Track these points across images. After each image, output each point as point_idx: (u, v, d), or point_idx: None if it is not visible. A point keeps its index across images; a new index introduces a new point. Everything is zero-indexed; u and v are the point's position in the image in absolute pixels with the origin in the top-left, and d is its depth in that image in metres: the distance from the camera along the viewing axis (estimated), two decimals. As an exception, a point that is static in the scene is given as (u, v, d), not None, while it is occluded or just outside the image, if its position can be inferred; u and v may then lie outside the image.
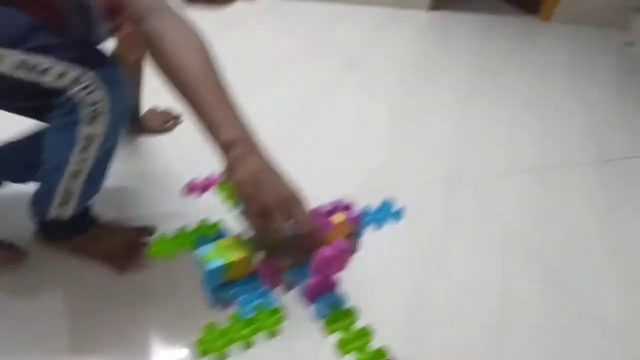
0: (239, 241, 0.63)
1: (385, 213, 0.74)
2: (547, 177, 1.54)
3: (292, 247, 0.58)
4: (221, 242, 0.63)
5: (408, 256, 1.11)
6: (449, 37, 2.54)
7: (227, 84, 0.69)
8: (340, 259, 0.59)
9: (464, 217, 1.28)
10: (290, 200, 0.59)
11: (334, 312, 0.68)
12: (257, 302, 0.65)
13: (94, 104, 0.71)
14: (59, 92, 0.69)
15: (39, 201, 0.86)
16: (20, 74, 0.68)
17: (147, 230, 0.95)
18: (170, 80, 0.67)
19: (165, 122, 1.40)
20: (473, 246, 1.18)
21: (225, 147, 0.63)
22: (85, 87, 0.69)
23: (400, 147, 1.52)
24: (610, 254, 1.26)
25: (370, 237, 1.04)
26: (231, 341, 0.64)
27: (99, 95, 0.71)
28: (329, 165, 1.36)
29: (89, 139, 0.75)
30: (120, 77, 0.74)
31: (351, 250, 0.64)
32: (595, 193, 1.51)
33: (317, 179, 1.28)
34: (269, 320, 0.66)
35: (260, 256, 0.61)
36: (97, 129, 0.74)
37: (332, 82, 1.79)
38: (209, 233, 0.76)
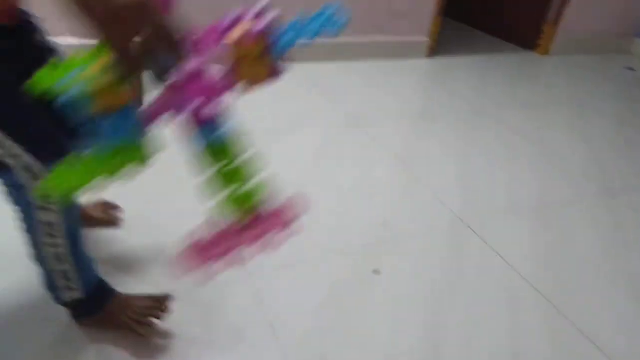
0: (102, 70, 0.52)
1: (321, 21, 0.55)
2: (551, 214, 1.57)
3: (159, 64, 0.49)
4: (84, 71, 0.52)
5: (415, 298, 1.16)
6: (448, 81, 2.65)
7: None
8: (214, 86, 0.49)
9: (469, 258, 1.33)
10: (146, 6, 0.46)
11: (215, 144, 0.55)
12: (124, 134, 0.55)
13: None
14: (8, 168, 0.75)
15: (48, 287, 0.93)
16: None
17: (163, 300, 1.00)
18: None
19: (105, 212, 1.29)
20: (480, 287, 1.22)
21: None
22: (35, 177, 0.75)
23: (405, 192, 1.59)
24: (619, 289, 1.28)
25: (375, 281, 1.10)
26: (90, 175, 0.55)
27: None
28: (335, 216, 1.43)
29: (49, 225, 0.82)
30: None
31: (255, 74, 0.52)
32: (602, 228, 1.53)
33: (325, 229, 1.37)
34: (136, 152, 0.56)
35: (128, 85, 0.51)
36: (52, 217, 0.81)
37: (338, 136, 1.89)
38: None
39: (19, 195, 0.80)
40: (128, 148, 0.54)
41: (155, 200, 1.38)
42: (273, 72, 0.54)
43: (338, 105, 2.18)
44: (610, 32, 3.41)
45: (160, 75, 0.49)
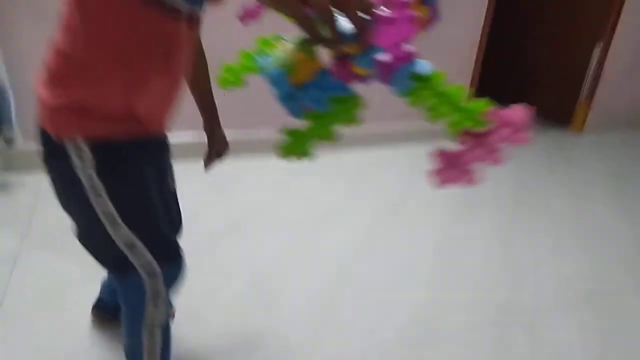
0: (298, 45, 0.59)
1: None
2: (600, 306, 1.50)
3: (356, 33, 0.52)
4: (279, 51, 0.60)
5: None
6: (483, 162, 2.66)
7: None
8: (406, 26, 0.51)
9: (518, 356, 1.27)
10: None
11: (416, 82, 0.57)
12: (330, 95, 0.58)
13: (154, 290, 0.86)
14: (131, 267, 0.84)
15: None
16: (121, 244, 0.82)
17: None
18: None
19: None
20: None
21: None
22: (152, 275, 0.84)
23: (446, 286, 1.56)
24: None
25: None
26: (314, 138, 0.59)
27: (159, 285, 0.86)
28: (377, 308, 1.41)
29: (151, 324, 0.89)
30: (182, 273, 0.91)
31: (418, 18, 0.55)
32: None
33: (369, 319, 1.36)
34: (347, 110, 0.59)
35: (324, 55, 0.56)
36: (158, 313, 0.89)
37: (375, 228, 1.91)
38: (270, 46, 0.69)
39: (132, 294, 0.88)
40: (339, 106, 0.58)
41: (203, 294, 1.42)
42: (433, 16, 0.59)
43: (374, 193, 2.22)
44: (644, 107, 3.39)
45: (342, 39, 0.52)
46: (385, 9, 0.52)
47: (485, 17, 2.66)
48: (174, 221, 1.05)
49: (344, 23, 0.50)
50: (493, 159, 0.54)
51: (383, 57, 0.53)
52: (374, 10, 0.50)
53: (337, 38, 0.50)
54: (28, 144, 1.99)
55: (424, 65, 0.55)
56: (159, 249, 0.86)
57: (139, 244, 0.83)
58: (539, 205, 2.21)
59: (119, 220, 0.80)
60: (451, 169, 0.55)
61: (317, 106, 0.58)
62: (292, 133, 0.59)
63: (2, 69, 1.79)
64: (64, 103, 0.76)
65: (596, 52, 3.05)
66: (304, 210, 2.00)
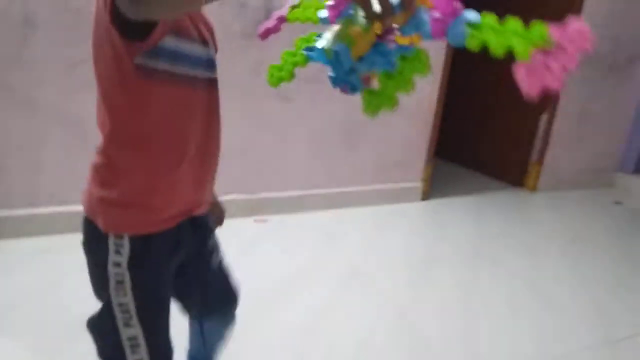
0: (346, 23, 0.62)
1: None
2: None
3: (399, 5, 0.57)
4: (330, 33, 0.63)
5: None
6: (444, 224, 2.77)
7: None
8: None
9: None
10: None
11: (473, 30, 0.60)
12: (396, 55, 0.62)
13: None
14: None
15: None
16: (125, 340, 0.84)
17: None
18: None
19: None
20: None
21: None
22: None
23: (406, 347, 1.59)
24: None
25: None
26: (395, 90, 0.63)
27: None
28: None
29: None
30: None
31: None
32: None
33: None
34: (419, 61, 0.62)
35: (373, 28, 0.60)
36: None
37: (337, 293, 1.94)
38: (311, 42, 0.72)
39: None
40: (410, 61, 0.62)
41: None
42: None
43: (337, 255, 2.26)
44: (592, 168, 3.64)
45: (386, 12, 0.57)
46: None
47: (441, 86, 2.85)
48: (226, 294, 1.07)
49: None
50: (571, 64, 0.56)
51: (436, 15, 0.58)
52: None
53: (389, 11, 0.55)
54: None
55: (473, 15, 0.60)
56: (159, 355, 0.86)
57: (143, 344, 0.83)
58: (497, 261, 2.30)
59: (134, 314, 0.82)
60: (536, 76, 0.56)
61: (387, 67, 0.63)
62: (372, 92, 0.64)
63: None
64: (113, 200, 0.81)
65: (543, 119, 3.30)
66: (266, 272, 2.02)
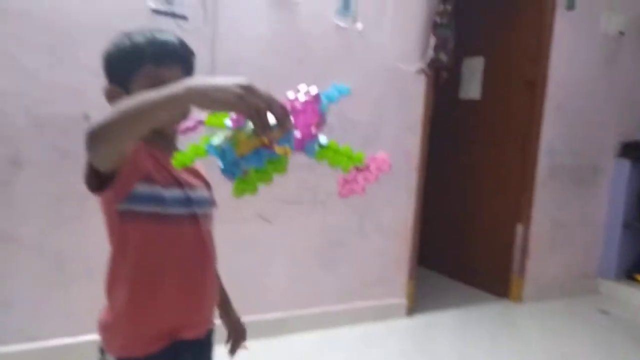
0: (237, 131, 0.80)
1: (337, 89, 0.87)
2: None
3: (278, 125, 0.75)
4: (225, 135, 0.81)
5: None
6: (430, 341, 2.70)
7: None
8: (309, 112, 0.79)
9: None
10: (270, 98, 0.71)
11: (320, 149, 0.84)
12: (266, 158, 0.80)
13: None
14: None
15: None
16: None
17: None
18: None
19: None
20: None
21: (187, 92, 0.72)
22: None
23: None
24: None
25: None
26: (259, 181, 0.81)
27: None
28: None
29: None
30: None
31: (316, 106, 0.80)
32: None
33: None
34: (278, 164, 0.81)
35: (256, 138, 0.78)
36: None
37: None
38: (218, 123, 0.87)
39: None
40: (273, 163, 0.81)
41: None
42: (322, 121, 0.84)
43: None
44: (574, 275, 3.66)
45: (266, 129, 0.75)
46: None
47: (417, 201, 2.95)
48: None
49: (271, 119, 0.75)
50: (372, 180, 0.84)
51: (298, 135, 0.80)
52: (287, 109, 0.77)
53: (269, 128, 0.74)
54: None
55: (323, 139, 0.84)
56: None
57: None
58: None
59: None
60: (348, 184, 0.84)
61: (257, 164, 0.82)
62: (242, 180, 0.83)
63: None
64: (107, 324, 0.97)
65: (519, 230, 3.39)
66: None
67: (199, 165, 1.09)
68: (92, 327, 1.03)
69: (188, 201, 0.99)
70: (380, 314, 2.92)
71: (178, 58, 0.97)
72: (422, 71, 2.78)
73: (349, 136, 2.64)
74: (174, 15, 2.11)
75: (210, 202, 1.09)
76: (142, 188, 0.92)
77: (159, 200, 0.94)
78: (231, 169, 0.83)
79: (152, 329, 0.95)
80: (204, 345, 1.06)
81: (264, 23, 2.37)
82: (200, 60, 2.32)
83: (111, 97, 0.97)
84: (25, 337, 2.01)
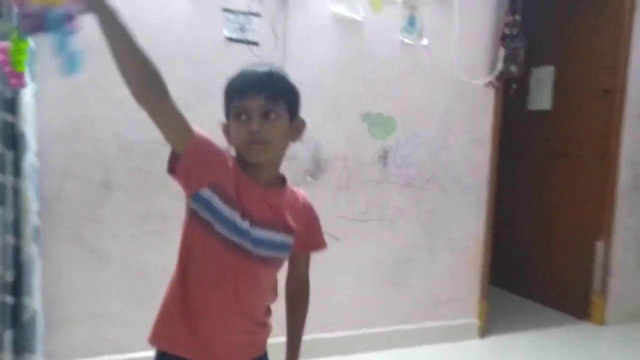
0: None
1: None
2: None
3: None
4: None
5: None
6: (506, 365, 2.58)
7: None
8: None
9: None
10: None
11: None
12: None
13: None
14: None
15: None
16: None
17: None
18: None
19: None
20: None
21: None
22: None
23: None
24: None
25: None
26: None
27: None
28: None
29: None
30: None
31: None
32: None
33: None
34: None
35: None
36: None
37: None
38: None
39: None
40: None
41: None
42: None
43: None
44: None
45: None
46: None
47: (487, 217, 2.86)
48: None
49: None
50: None
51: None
52: None
53: None
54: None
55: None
56: None
57: None
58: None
59: None
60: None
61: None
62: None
63: (37, 296, 1.91)
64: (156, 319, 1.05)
65: (600, 247, 3.18)
66: None
67: (296, 213, 1.09)
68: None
69: (244, 232, 0.99)
70: (451, 335, 2.83)
71: (258, 89, 0.98)
72: (490, 84, 2.72)
73: (417, 152, 2.62)
74: (246, 42, 2.21)
75: (280, 247, 1.07)
76: (205, 193, 0.96)
77: (217, 214, 0.96)
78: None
79: (167, 330, 1.03)
80: None
81: (331, 44, 2.42)
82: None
83: (225, 132, 1.05)
84: (118, 349, 2.14)
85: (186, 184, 0.97)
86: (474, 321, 2.89)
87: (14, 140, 1.81)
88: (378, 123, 2.53)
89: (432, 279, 2.78)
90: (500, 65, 2.65)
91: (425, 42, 2.56)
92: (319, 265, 2.60)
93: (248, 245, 0.99)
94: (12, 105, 1.80)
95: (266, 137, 0.97)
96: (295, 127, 1.07)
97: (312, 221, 1.16)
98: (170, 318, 1.02)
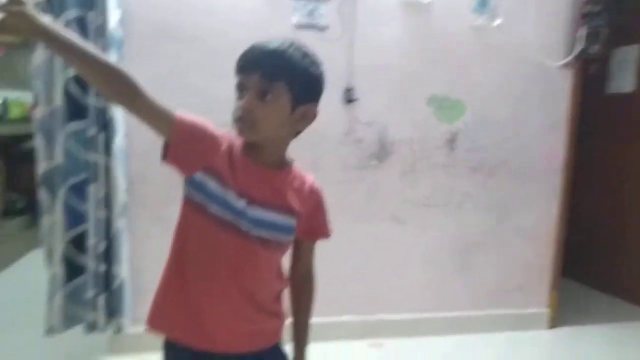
0: None
1: None
2: None
3: None
4: None
5: None
6: (576, 353, 2.49)
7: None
8: None
9: None
10: None
11: None
12: None
13: None
14: None
15: None
16: None
17: None
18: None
19: None
20: None
21: None
22: None
23: None
24: None
25: None
26: None
27: None
28: None
29: None
30: None
31: None
32: None
33: None
34: None
35: None
36: None
37: None
38: None
39: None
40: None
41: None
42: None
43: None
44: None
45: None
46: None
47: (562, 205, 2.73)
48: None
49: None
50: None
51: None
52: None
53: None
54: (136, 328, 2.20)
55: None
56: None
57: None
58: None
59: None
60: None
61: None
62: None
63: (125, 266, 2.10)
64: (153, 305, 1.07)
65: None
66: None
67: (301, 197, 1.05)
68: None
69: (239, 212, 0.96)
70: (519, 324, 2.76)
71: (255, 66, 0.96)
72: (568, 65, 2.58)
73: (487, 136, 2.55)
74: (315, 27, 2.25)
75: (281, 228, 1.02)
76: (199, 176, 0.96)
77: (211, 197, 0.95)
78: None
79: (165, 315, 1.05)
80: None
81: (399, 26, 2.40)
82: (340, 67, 2.43)
83: None
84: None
85: (179, 169, 0.97)
86: (544, 310, 2.80)
87: (106, 124, 1.98)
88: (445, 106, 2.50)
89: (499, 266, 2.72)
90: (579, 45, 2.51)
91: (497, 21, 2.47)
92: (385, 248, 2.65)
93: (244, 225, 0.97)
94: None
95: (254, 117, 0.95)
96: (301, 115, 1.00)
97: (318, 206, 1.09)
98: (168, 302, 1.03)
